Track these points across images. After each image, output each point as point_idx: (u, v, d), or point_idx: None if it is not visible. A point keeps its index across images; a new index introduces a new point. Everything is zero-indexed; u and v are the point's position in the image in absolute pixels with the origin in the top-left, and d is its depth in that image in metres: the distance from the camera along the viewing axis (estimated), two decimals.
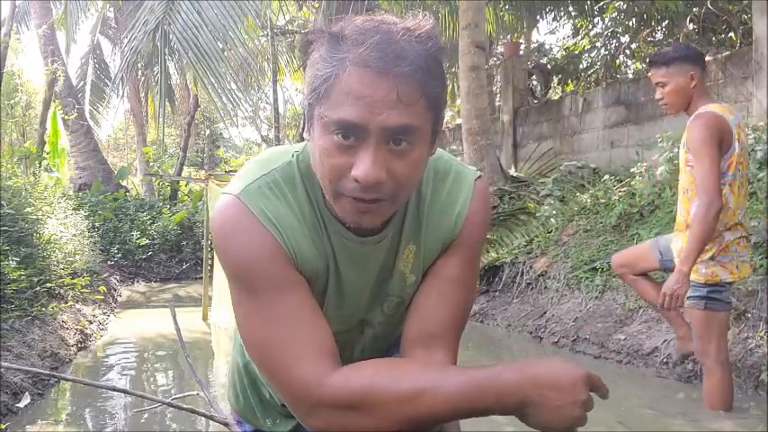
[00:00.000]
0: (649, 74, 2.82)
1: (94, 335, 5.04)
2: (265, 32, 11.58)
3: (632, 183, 5.48)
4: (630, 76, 8.59)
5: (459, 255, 1.05)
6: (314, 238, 0.97)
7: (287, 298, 0.93)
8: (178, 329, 1.11)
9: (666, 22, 8.43)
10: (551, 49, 10.81)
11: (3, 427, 2.77)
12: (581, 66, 9.40)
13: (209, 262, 5.87)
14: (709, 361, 2.74)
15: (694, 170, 2.61)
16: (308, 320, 0.93)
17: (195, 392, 1.14)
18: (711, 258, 2.64)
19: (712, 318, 2.68)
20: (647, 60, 2.82)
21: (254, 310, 0.94)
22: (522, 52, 10.02)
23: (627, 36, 8.94)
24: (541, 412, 0.86)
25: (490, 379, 0.86)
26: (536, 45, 11.09)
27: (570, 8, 9.41)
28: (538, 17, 9.98)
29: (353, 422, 0.88)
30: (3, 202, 4.86)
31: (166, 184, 12.55)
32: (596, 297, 4.51)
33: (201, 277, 6.28)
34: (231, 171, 8.55)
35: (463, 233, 1.04)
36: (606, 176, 6.07)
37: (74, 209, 7.22)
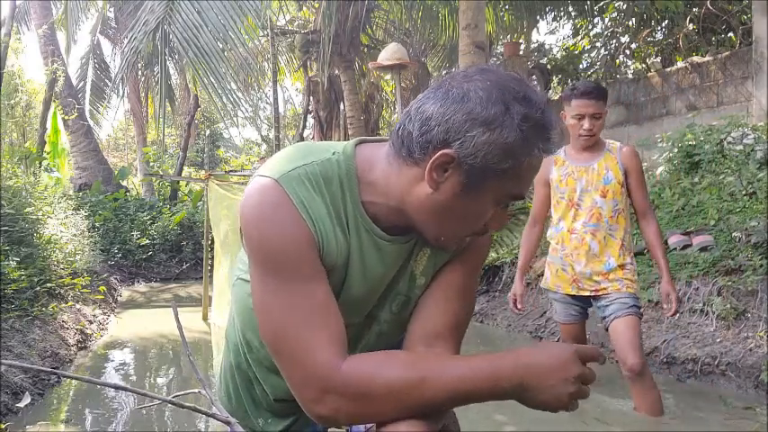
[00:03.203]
0: (581, 104, 2.71)
1: (95, 335, 5.04)
2: (265, 32, 11.58)
3: None
4: (630, 76, 8.60)
5: (466, 262, 1.12)
6: (337, 235, 1.01)
7: (312, 286, 0.97)
8: (180, 328, 1.12)
9: (666, 21, 8.45)
10: (551, 49, 10.81)
11: (3, 426, 2.76)
12: (581, 66, 9.42)
13: (210, 262, 5.87)
14: (646, 366, 2.65)
15: (635, 192, 2.88)
16: (328, 311, 0.97)
17: (197, 390, 1.14)
18: None
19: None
20: (583, 91, 2.73)
21: (279, 294, 0.97)
22: (521, 52, 10.02)
23: (627, 36, 8.96)
24: (538, 394, 0.93)
25: (487, 366, 0.93)
26: (536, 45, 11.08)
27: (570, 8, 9.43)
28: (538, 17, 9.98)
29: (359, 410, 0.93)
30: (3, 202, 4.86)
31: (166, 184, 12.54)
32: None
33: (201, 277, 6.28)
34: (231, 171, 8.56)
35: (473, 241, 1.10)
36: None
37: (74, 209, 7.22)
